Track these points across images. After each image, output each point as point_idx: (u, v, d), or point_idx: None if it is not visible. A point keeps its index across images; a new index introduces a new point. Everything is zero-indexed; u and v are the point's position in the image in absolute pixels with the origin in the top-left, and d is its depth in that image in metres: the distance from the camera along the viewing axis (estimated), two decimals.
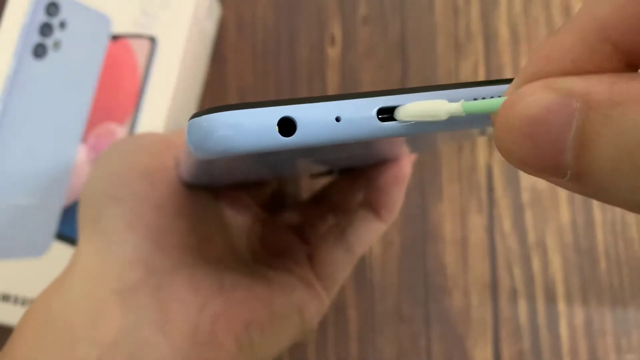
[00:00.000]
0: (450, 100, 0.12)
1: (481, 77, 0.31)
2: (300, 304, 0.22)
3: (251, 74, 0.32)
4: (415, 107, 0.12)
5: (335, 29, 0.32)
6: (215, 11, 0.32)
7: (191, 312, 0.19)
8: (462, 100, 0.11)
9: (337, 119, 0.12)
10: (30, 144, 0.28)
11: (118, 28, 0.29)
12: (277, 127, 0.12)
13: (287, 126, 0.12)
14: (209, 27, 0.31)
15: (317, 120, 0.12)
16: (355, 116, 0.12)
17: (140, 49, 0.29)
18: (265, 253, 0.24)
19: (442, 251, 0.30)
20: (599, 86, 0.09)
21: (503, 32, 0.31)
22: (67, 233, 0.28)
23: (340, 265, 0.23)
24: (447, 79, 0.31)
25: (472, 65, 0.31)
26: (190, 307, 0.19)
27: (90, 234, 0.20)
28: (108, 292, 0.18)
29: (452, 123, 0.12)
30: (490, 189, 0.30)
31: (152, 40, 0.28)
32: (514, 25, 0.31)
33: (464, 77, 0.31)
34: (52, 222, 0.28)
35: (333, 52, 0.32)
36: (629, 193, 0.09)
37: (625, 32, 0.09)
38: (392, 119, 0.13)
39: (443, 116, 0.12)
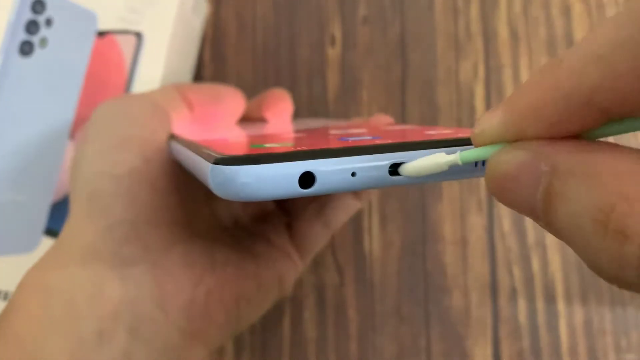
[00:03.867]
0: (448, 153, 0.13)
1: (481, 77, 0.31)
2: (280, 274, 0.23)
3: (251, 74, 0.32)
4: (419, 164, 0.13)
5: (335, 29, 0.32)
6: (203, 8, 0.32)
7: (186, 288, 0.20)
8: (458, 152, 0.13)
9: (353, 174, 0.13)
10: (18, 141, 0.28)
11: (104, 24, 0.29)
12: (298, 180, 0.13)
13: (307, 179, 0.13)
14: (196, 24, 0.32)
15: (335, 175, 0.13)
16: (369, 171, 0.14)
17: (126, 44, 0.29)
18: (246, 219, 0.25)
19: (442, 251, 0.30)
20: (564, 154, 0.11)
21: (503, 32, 0.31)
22: (56, 229, 0.28)
23: (318, 238, 0.25)
24: (447, 79, 0.31)
25: (472, 65, 0.31)
26: (185, 283, 0.20)
27: (86, 211, 0.20)
28: (107, 267, 0.19)
29: (453, 173, 0.14)
30: None
31: (138, 36, 0.29)
32: (513, 25, 0.31)
33: (464, 77, 0.31)
34: (41, 218, 0.28)
35: (333, 52, 0.32)
36: (584, 252, 0.10)
37: (615, 99, 0.10)
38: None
39: (444, 167, 0.13)
